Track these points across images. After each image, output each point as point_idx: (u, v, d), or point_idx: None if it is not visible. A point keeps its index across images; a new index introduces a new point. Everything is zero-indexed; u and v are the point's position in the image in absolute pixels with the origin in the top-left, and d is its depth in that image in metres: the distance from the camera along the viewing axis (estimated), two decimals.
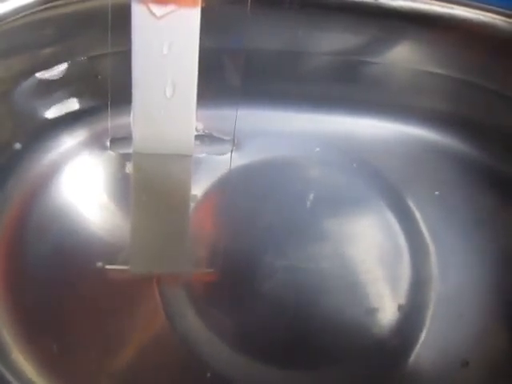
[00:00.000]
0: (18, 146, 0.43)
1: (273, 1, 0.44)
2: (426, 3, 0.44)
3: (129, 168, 0.44)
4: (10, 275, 0.39)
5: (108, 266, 0.40)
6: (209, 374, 0.37)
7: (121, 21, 0.39)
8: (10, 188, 0.42)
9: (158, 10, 0.37)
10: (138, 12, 0.37)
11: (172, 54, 0.39)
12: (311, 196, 0.45)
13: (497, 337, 0.41)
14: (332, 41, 0.46)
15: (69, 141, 0.45)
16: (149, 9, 0.37)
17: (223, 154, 0.45)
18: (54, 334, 0.38)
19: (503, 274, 0.43)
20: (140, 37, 0.38)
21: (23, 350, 0.37)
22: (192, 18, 0.38)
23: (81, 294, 0.39)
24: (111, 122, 0.43)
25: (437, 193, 0.46)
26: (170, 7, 0.37)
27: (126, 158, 0.45)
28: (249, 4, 0.39)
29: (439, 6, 0.44)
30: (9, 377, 0.36)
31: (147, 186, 0.45)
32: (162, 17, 0.38)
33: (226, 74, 0.45)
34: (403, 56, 0.47)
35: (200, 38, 0.39)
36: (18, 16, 0.40)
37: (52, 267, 0.40)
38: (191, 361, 0.38)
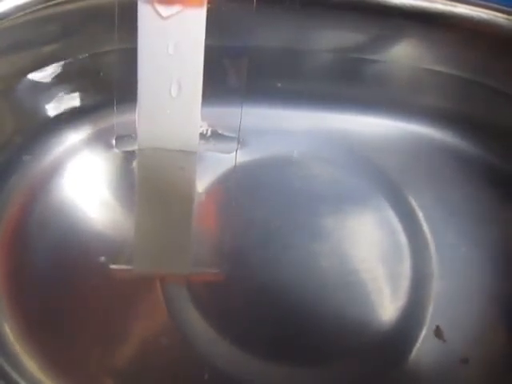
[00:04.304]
0: (20, 141, 0.43)
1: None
2: (427, 1, 0.44)
3: (133, 166, 0.44)
4: (12, 272, 0.39)
5: (112, 266, 0.40)
6: (210, 372, 0.37)
7: (123, 18, 0.38)
8: (13, 185, 0.42)
9: (164, 10, 0.37)
10: (144, 12, 0.37)
11: (178, 53, 0.39)
12: (313, 194, 0.45)
13: (496, 334, 0.41)
14: (333, 39, 0.46)
15: (72, 137, 0.45)
16: (155, 9, 0.37)
17: (228, 152, 0.45)
18: (56, 331, 0.38)
19: (503, 272, 0.43)
20: (146, 37, 0.38)
21: (26, 347, 0.37)
22: (198, 18, 0.38)
23: (84, 292, 0.39)
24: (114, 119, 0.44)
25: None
26: (176, 8, 0.37)
27: (130, 155, 0.44)
28: (254, 3, 0.39)
29: (441, 3, 0.44)
30: (12, 374, 0.36)
31: (152, 184, 0.45)
32: (168, 17, 0.38)
33: (230, 73, 0.45)
34: (405, 54, 0.47)
35: (204, 37, 0.39)
36: (20, 13, 0.40)
37: (55, 265, 0.40)
38: (193, 359, 0.38)
